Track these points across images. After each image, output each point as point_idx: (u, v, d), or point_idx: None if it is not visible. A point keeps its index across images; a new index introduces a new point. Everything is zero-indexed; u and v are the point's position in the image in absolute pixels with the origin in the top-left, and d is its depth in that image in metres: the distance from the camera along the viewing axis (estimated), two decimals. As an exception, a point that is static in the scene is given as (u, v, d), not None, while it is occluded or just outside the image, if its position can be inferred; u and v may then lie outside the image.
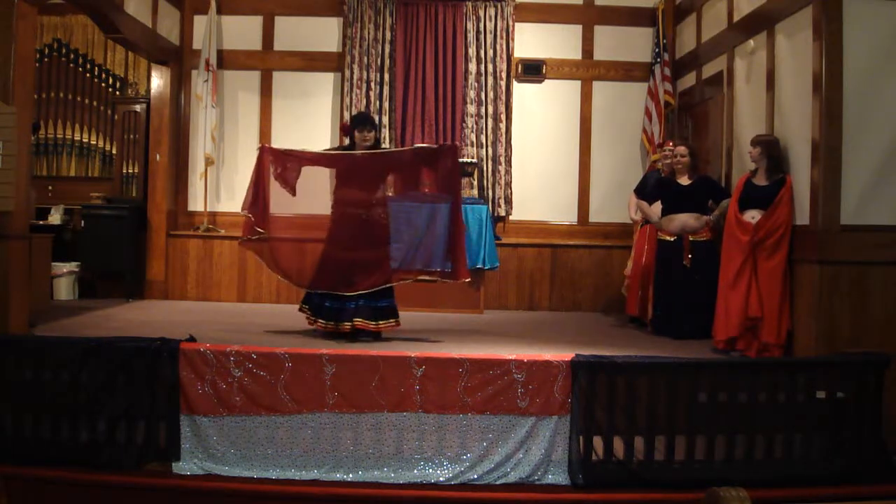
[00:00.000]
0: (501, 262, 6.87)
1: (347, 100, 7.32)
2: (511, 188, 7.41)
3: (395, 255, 4.94)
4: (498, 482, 3.81)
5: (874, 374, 3.92)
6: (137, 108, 7.66)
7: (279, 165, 5.06)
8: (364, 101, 7.34)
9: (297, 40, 7.54)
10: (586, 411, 3.83)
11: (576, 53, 7.54)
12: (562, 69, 7.53)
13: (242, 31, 7.55)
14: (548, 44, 7.53)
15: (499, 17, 7.38)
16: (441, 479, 3.81)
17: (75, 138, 7.90)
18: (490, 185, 7.38)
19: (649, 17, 7.39)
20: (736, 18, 5.81)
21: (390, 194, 5.15)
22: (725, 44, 6.03)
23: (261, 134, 7.53)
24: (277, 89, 7.55)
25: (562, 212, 7.52)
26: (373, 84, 7.36)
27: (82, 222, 7.11)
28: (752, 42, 5.51)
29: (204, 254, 7.25)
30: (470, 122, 7.37)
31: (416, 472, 3.84)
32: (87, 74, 7.90)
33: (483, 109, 7.38)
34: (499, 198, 7.36)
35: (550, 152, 7.51)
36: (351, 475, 3.83)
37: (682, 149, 5.65)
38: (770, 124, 5.19)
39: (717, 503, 2.25)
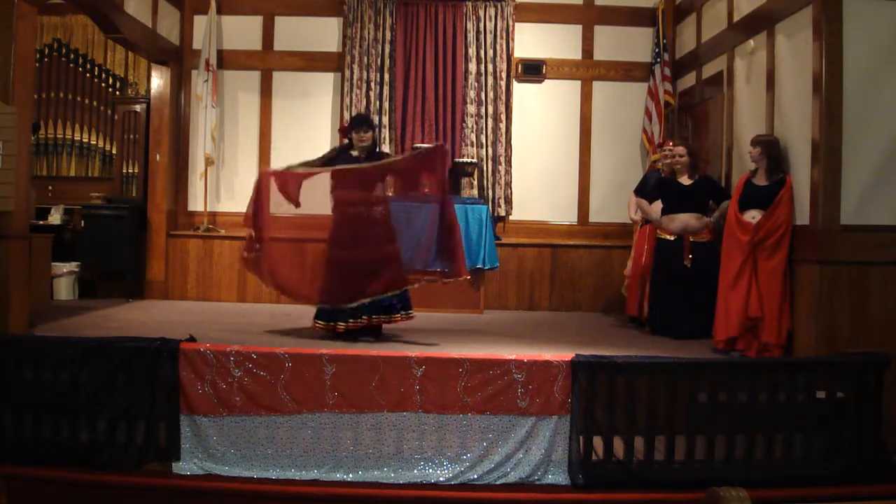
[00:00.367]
0: (501, 262, 6.87)
1: (347, 100, 7.32)
2: (511, 188, 7.41)
3: (403, 255, 4.92)
4: (498, 482, 3.81)
5: (874, 374, 3.92)
6: (137, 108, 7.67)
7: (280, 183, 5.03)
8: (364, 101, 7.34)
9: (297, 40, 7.54)
10: (586, 411, 3.83)
11: (576, 53, 7.54)
12: (562, 69, 7.53)
13: (242, 31, 7.55)
14: (548, 44, 7.53)
15: (499, 17, 7.38)
16: (441, 479, 3.81)
17: (75, 138, 7.90)
18: (490, 185, 7.38)
19: (649, 17, 7.39)
20: (736, 18, 5.81)
21: (390, 194, 5.13)
22: (725, 44, 6.03)
23: (261, 134, 7.54)
24: (277, 89, 7.55)
25: (562, 212, 7.52)
26: (373, 84, 7.36)
27: (82, 222, 7.11)
28: (752, 42, 5.51)
29: (204, 254, 7.25)
30: (470, 122, 7.37)
31: (416, 472, 3.84)
32: (87, 74, 7.90)
33: (483, 109, 7.38)
34: (499, 198, 7.36)
35: (550, 152, 7.52)
36: (351, 475, 3.83)
37: (680, 149, 5.65)
38: (770, 124, 5.19)
39: (717, 503, 2.25)
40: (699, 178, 5.59)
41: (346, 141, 5.20)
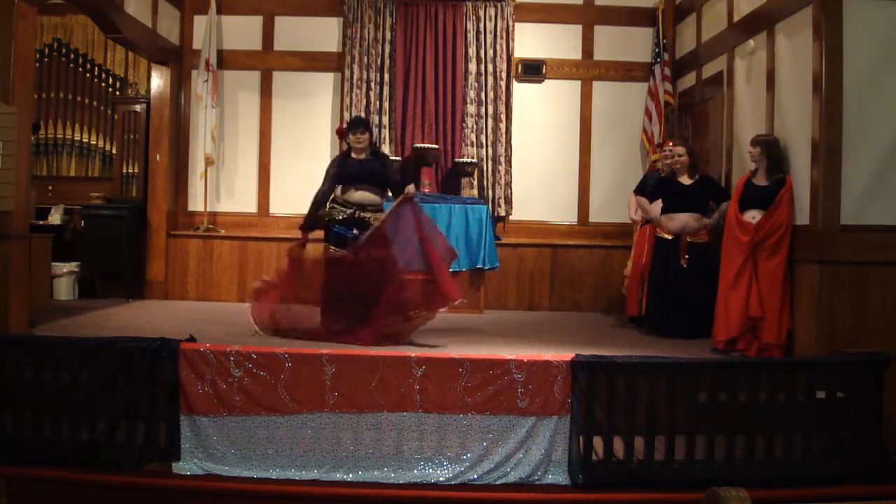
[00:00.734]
0: (501, 262, 6.87)
1: (347, 100, 7.32)
2: (511, 188, 7.41)
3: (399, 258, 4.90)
4: (498, 482, 3.81)
5: (874, 374, 3.92)
6: (137, 108, 7.67)
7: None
8: (364, 101, 7.34)
9: (297, 40, 7.54)
10: (586, 411, 3.83)
11: (576, 53, 7.54)
12: (562, 69, 7.53)
13: (242, 31, 7.55)
14: (548, 44, 7.53)
15: (499, 17, 7.38)
16: (441, 479, 3.81)
17: (75, 138, 7.90)
18: (490, 185, 7.38)
19: (649, 17, 7.39)
20: (736, 18, 5.82)
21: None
22: (725, 44, 6.03)
23: (261, 134, 7.54)
24: (277, 89, 7.56)
25: (562, 212, 7.52)
26: (373, 84, 7.36)
27: (82, 222, 7.11)
28: (752, 42, 5.51)
29: (204, 254, 7.26)
30: (470, 122, 7.37)
31: (416, 472, 3.84)
32: (87, 74, 7.90)
33: (483, 109, 7.38)
34: (499, 198, 7.36)
35: (550, 152, 7.52)
36: (351, 475, 3.83)
37: (680, 149, 5.66)
38: (770, 124, 5.19)
39: (717, 503, 2.25)
40: (699, 178, 5.59)
41: (345, 146, 5.24)
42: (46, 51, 7.84)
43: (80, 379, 3.88)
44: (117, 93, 7.88)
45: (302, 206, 7.37)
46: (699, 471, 3.78)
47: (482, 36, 7.39)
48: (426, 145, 7.17)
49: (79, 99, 7.90)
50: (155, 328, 5.07)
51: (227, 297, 7.20)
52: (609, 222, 7.41)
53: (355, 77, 7.33)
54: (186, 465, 3.86)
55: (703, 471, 3.77)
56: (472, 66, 7.37)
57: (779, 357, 4.63)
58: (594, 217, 7.51)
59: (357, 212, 5.01)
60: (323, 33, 7.54)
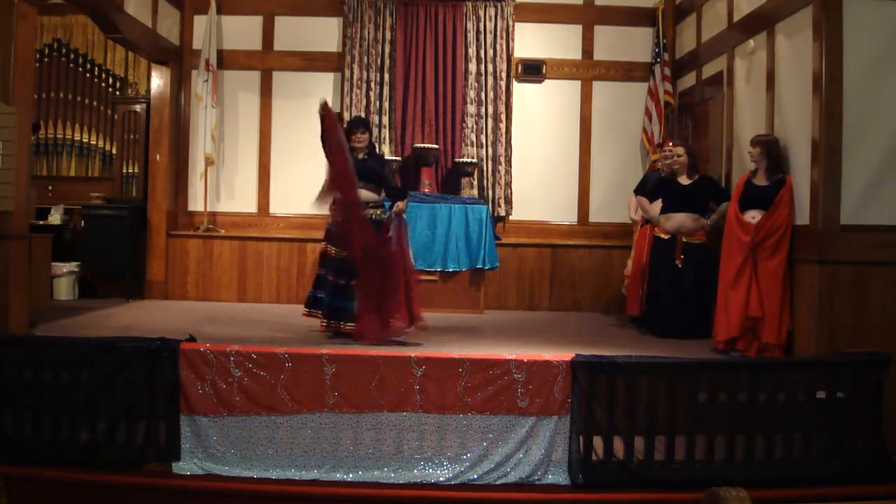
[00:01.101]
0: (501, 262, 6.88)
1: (347, 100, 7.32)
2: (511, 188, 7.41)
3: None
4: (498, 482, 3.81)
5: (874, 374, 3.92)
6: (137, 108, 7.67)
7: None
8: (364, 101, 7.34)
9: (297, 40, 7.54)
10: (586, 411, 3.83)
11: (576, 53, 7.54)
12: (562, 69, 7.53)
13: (242, 31, 7.55)
14: (548, 44, 7.53)
15: (499, 17, 7.38)
16: (441, 479, 3.81)
17: (75, 138, 7.91)
18: (490, 185, 7.38)
19: (649, 17, 7.39)
20: (736, 18, 5.82)
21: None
22: (725, 44, 6.03)
23: (261, 134, 7.54)
24: (277, 89, 7.56)
25: (562, 212, 7.52)
26: (373, 84, 7.36)
27: (82, 222, 7.11)
28: (752, 42, 5.51)
29: (204, 254, 7.26)
30: (470, 122, 7.37)
31: (416, 472, 3.84)
32: (87, 74, 7.90)
33: (483, 109, 7.38)
34: (499, 198, 7.36)
35: (550, 152, 7.52)
36: (351, 475, 3.83)
37: (679, 149, 5.67)
38: (770, 124, 5.19)
39: (717, 503, 2.25)
40: (698, 179, 5.60)
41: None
42: (46, 51, 7.84)
43: (80, 379, 3.88)
44: (117, 93, 7.88)
45: (302, 207, 7.44)
46: (699, 471, 3.78)
47: (482, 36, 7.39)
48: (426, 145, 7.18)
49: (79, 99, 7.90)
50: (155, 328, 5.07)
51: (227, 297, 7.20)
52: (609, 222, 7.41)
53: (355, 77, 7.33)
54: (186, 465, 3.86)
55: (703, 471, 3.77)
56: (472, 66, 7.37)
57: (779, 357, 4.63)
58: (594, 217, 7.51)
59: None
60: (323, 33, 7.54)
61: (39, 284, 5.78)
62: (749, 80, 5.62)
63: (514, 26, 7.42)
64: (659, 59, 7.14)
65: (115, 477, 3.74)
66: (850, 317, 4.41)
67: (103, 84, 7.91)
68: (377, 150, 5.72)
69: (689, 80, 7.02)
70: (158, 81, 7.34)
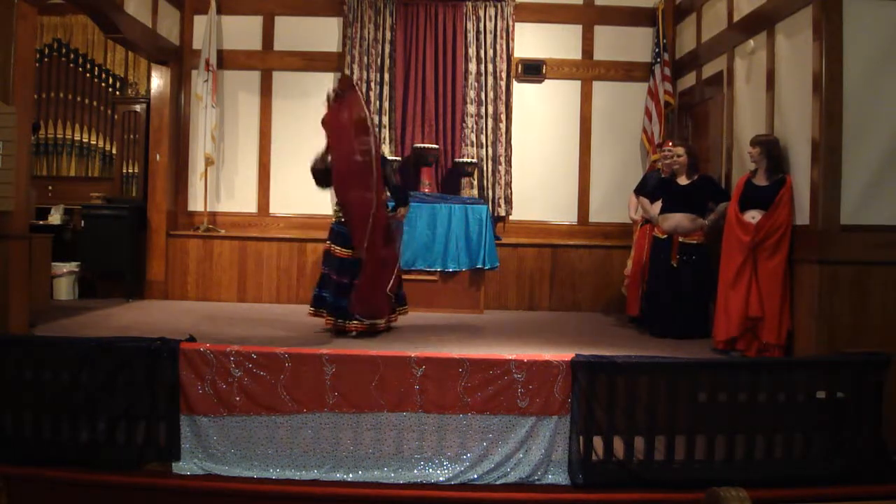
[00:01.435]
0: (501, 262, 6.88)
1: (347, 100, 7.31)
2: (511, 188, 7.41)
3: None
4: (498, 482, 3.81)
5: (874, 374, 3.92)
6: (137, 108, 7.67)
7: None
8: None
9: (297, 40, 7.54)
10: (586, 411, 3.83)
11: (576, 53, 7.54)
12: (562, 69, 7.53)
13: (242, 31, 7.55)
14: (548, 44, 7.53)
15: (499, 17, 7.38)
16: (441, 479, 3.81)
17: (75, 138, 7.90)
18: (490, 185, 7.38)
19: (649, 17, 7.39)
20: (736, 18, 5.81)
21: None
22: (725, 44, 6.03)
23: (261, 134, 7.54)
24: (277, 89, 7.56)
25: (562, 212, 7.52)
26: (373, 84, 7.36)
27: (82, 222, 7.11)
28: (752, 42, 5.51)
29: (204, 254, 7.26)
30: (470, 122, 7.37)
31: (416, 472, 3.84)
32: (87, 74, 7.90)
33: (483, 109, 7.38)
34: (499, 198, 7.36)
35: (550, 152, 7.52)
36: (351, 475, 3.83)
37: (679, 149, 5.67)
38: (770, 124, 5.19)
39: (717, 503, 2.25)
40: (697, 179, 5.60)
41: None
42: (46, 51, 7.84)
43: (80, 379, 3.88)
44: (117, 93, 7.88)
45: (302, 207, 7.43)
46: (699, 471, 3.79)
47: (482, 36, 7.39)
48: (426, 145, 7.18)
49: (79, 99, 7.90)
50: (155, 328, 5.07)
51: (227, 297, 7.20)
52: (609, 222, 7.41)
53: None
54: (186, 465, 3.86)
55: (703, 471, 3.77)
56: (472, 66, 7.37)
57: (779, 357, 4.63)
58: (594, 217, 7.51)
59: None
60: (323, 33, 7.54)
61: (39, 284, 5.78)
62: (749, 80, 5.62)
63: (514, 26, 7.42)
64: (659, 59, 7.13)
65: (115, 477, 3.74)
66: (850, 317, 4.41)
67: (103, 84, 7.91)
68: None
69: (689, 80, 7.02)
70: (158, 81, 7.34)
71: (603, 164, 7.48)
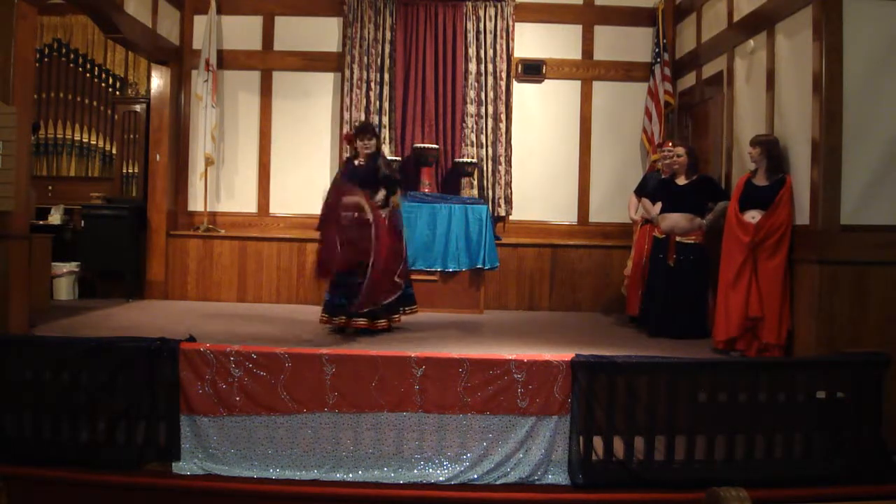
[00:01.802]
0: (501, 262, 6.88)
1: (347, 100, 7.32)
2: (511, 188, 7.41)
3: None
4: (498, 482, 3.82)
5: (874, 374, 3.93)
6: (137, 108, 7.67)
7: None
8: (364, 101, 7.34)
9: (297, 40, 7.54)
10: (586, 411, 3.83)
11: (576, 53, 7.54)
12: (562, 69, 7.53)
13: (242, 31, 7.55)
14: (548, 44, 7.53)
15: (499, 17, 7.38)
16: (441, 478, 3.81)
17: (75, 138, 7.91)
18: (490, 185, 7.38)
19: (649, 17, 7.39)
20: (736, 18, 5.81)
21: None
22: (725, 44, 6.03)
23: (261, 134, 7.54)
24: (277, 89, 7.56)
25: (562, 212, 7.52)
26: (373, 84, 7.36)
27: (82, 222, 7.11)
28: (752, 42, 5.51)
29: (204, 254, 7.26)
30: (470, 122, 7.37)
31: (416, 472, 3.84)
32: (87, 74, 7.90)
33: (483, 109, 7.37)
34: (499, 198, 7.36)
35: (550, 152, 7.52)
36: (351, 475, 3.83)
37: (679, 149, 5.67)
38: (770, 124, 5.19)
39: (717, 503, 2.25)
40: (696, 179, 5.59)
41: (354, 150, 5.36)
42: (46, 51, 7.84)
43: (80, 379, 3.88)
44: (117, 93, 7.88)
45: (301, 207, 7.43)
46: (699, 471, 3.79)
47: (482, 36, 7.38)
48: (426, 145, 7.18)
49: (79, 99, 7.90)
50: (155, 328, 5.07)
51: (227, 297, 7.20)
52: (609, 222, 7.41)
53: (355, 77, 7.33)
54: (186, 465, 3.86)
55: (703, 471, 3.78)
56: (472, 66, 7.37)
57: (779, 357, 4.63)
58: (594, 217, 7.51)
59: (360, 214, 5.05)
60: (323, 33, 7.54)
61: (39, 284, 5.78)
62: (749, 80, 5.62)
63: (514, 26, 7.42)
64: (659, 59, 7.13)
65: (115, 477, 3.74)
66: (850, 317, 4.41)
67: (103, 84, 7.91)
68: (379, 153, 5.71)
69: (689, 80, 7.02)
70: (158, 81, 7.34)
71: (603, 164, 7.48)
